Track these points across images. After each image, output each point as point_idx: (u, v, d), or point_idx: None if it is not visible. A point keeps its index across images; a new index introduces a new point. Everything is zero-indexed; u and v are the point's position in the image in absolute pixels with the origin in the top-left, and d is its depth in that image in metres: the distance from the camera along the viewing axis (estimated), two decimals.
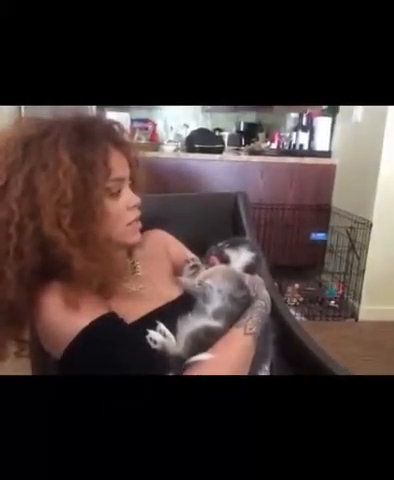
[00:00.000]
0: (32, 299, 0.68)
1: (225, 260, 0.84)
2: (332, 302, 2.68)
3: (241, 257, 0.84)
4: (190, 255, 0.94)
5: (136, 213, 0.78)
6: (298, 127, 2.99)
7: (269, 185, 2.83)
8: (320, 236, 2.72)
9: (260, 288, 0.78)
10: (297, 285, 2.75)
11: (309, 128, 2.96)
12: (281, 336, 1.02)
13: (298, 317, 2.49)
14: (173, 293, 0.83)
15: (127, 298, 0.78)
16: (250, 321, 0.72)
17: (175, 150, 2.98)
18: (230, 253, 0.85)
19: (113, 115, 2.20)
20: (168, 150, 2.95)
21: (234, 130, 3.79)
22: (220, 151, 2.91)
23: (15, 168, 0.64)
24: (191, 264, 0.91)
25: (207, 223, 1.08)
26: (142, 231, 0.93)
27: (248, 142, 3.53)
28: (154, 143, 3.10)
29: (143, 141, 3.05)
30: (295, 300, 2.69)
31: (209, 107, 3.70)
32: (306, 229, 2.78)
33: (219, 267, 0.82)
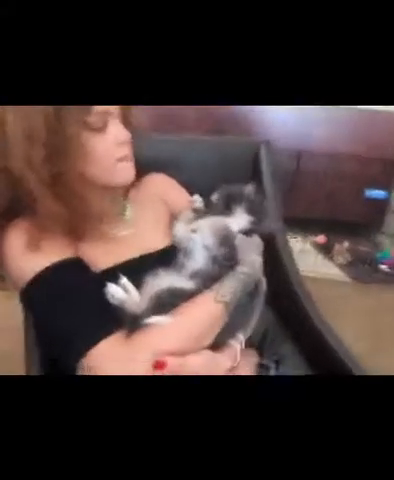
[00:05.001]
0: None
1: (223, 211, 0.74)
2: (383, 266, 2.48)
3: (239, 214, 0.73)
4: (195, 197, 0.84)
5: (126, 150, 0.69)
6: None
7: (329, 131, 2.53)
8: (376, 194, 2.44)
9: (248, 252, 0.68)
10: (346, 243, 2.56)
11: None
12: (286, 306, 0.92)
13: (343, 278, 2.35)
14: (158, 244, 0.75)
15: (105, 242, 0.72)
16: (224, 288, 0.63)
17: None
18: (230, 206, 0.75)
19: None
20: None
21: None
22: None
23: None
24: (194, 206, 0.81)
25: (223, 173, 0.94)
26: (144, 175, 0.86)
27: None
28: None
29: None
30: (341, 258, 2.52)
31: None
32: (366, 184, 2.51)
33: (211, 219, 0.72)
